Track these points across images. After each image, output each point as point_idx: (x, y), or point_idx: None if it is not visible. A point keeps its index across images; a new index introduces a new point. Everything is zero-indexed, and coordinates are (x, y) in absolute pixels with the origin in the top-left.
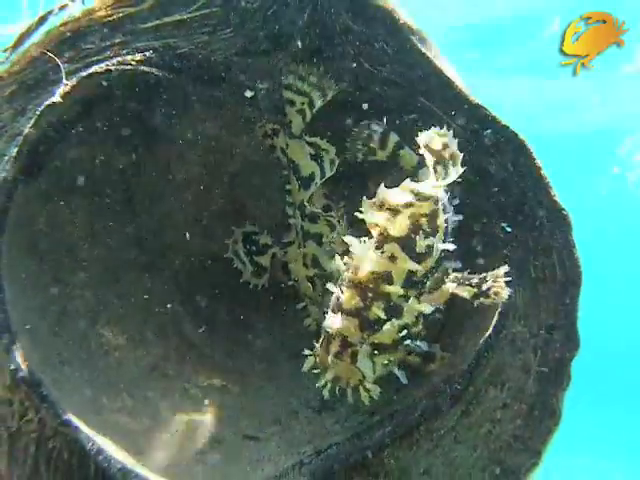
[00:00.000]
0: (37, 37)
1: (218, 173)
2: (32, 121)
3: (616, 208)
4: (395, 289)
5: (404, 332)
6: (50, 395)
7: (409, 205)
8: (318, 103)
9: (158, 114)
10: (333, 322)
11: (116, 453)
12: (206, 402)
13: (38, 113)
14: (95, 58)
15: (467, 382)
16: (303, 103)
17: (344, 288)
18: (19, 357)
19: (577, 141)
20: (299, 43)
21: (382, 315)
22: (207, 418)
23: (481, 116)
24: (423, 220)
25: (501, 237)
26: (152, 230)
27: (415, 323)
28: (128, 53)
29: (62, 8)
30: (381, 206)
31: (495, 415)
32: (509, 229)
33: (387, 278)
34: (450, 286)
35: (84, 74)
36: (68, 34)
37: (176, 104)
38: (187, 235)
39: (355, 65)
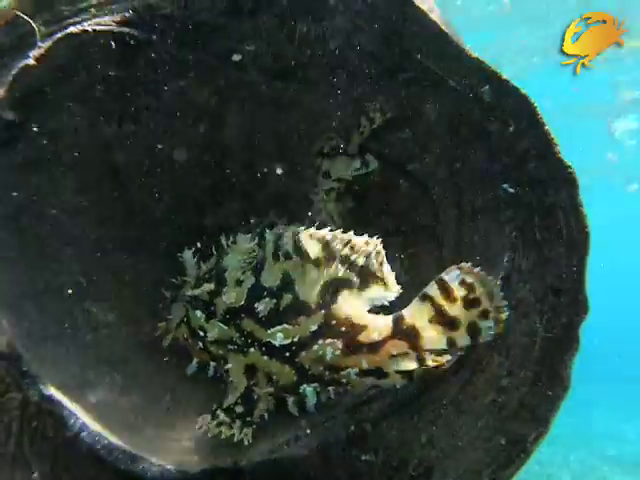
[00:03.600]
0: None
1: (208, 144)
2: (5, 86)
3: None
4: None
5: None
6: (31, 370)
7: None
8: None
9: (141, 80)
10: None
11: (102, 429)
12: (201, 378)
13: (11, 78)
14: (72, 20)
15: (469, 349)
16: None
17: None
18: None
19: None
20: (285, 1)
21: None
22: (201, 394)
23: (480, 71)
24: None
25: (503, 198)
26: (141, 204)
27: None
28: (107, 14)
29: None
30: None
31: (500, 383)
32: (511, 190)
33: None
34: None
35: (59, 35)
36: None
37: (160, 69)
38: (177, 210)
39: (347, 23)
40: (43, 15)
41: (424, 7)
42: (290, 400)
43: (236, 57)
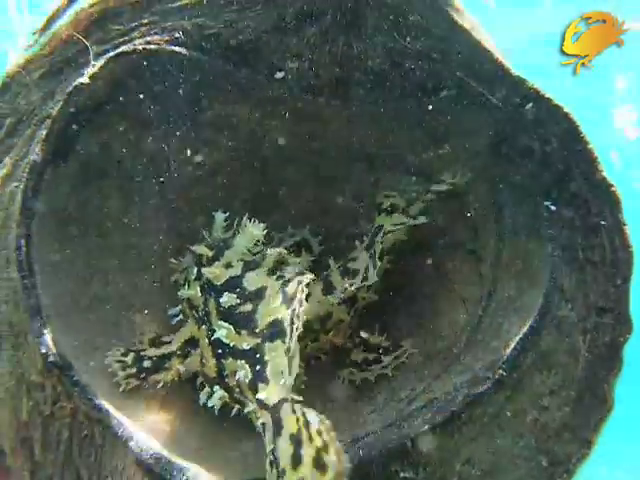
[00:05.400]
0: (66, 19)
1: (248, 159)
2: (60, 103)
3: None
4: None
5: None
6: (81, 379)
7: None
8: None
9: (186, 97)
10: None
11: (148, 439)
12: None
13: (66, 94)
14: (123, 39)
15: (511, 368)
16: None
17: None
18: (50, 341)
19: None
20: (330, 18)
21: None
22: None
23: (523, 89)
24: None
25: (545, 217)
26: (184, 216)
27: None
28: (156, 33)
29: None
30: None
31: (542, 402)
32: (554, 208)
33: None
34: None
35: (112, 54)
36: (96, 15)
37: (205, 86)
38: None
39: (388, 40)
40: (96, 34)
41: (466, 25)
42: (205, 390)
43: (279, 74)
